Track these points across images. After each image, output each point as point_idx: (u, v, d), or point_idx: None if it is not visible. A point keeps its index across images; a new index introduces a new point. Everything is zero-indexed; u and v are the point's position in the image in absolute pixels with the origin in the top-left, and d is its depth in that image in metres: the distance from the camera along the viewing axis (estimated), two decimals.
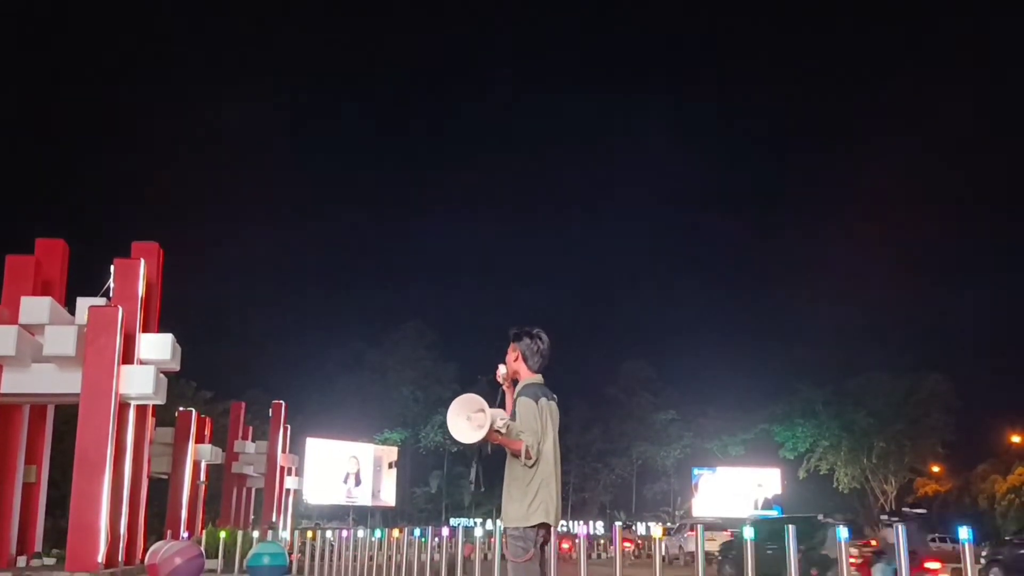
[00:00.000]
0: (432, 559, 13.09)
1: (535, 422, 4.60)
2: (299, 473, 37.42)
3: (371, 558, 15.81)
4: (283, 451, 32.43)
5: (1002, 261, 61.35)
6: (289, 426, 33.37)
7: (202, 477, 26.99)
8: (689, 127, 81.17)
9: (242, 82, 76.16)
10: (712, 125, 77.42)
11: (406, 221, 78.80)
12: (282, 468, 32.29)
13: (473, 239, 79.71)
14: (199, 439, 25.66)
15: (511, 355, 4.87)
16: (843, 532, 8.44)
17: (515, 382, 4.85)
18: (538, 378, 4.82)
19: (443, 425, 50.57)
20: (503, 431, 4.54)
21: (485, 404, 4.59)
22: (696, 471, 50.18)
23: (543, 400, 4.70)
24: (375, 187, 78.18)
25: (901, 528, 7.78)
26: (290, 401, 34.04)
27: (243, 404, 31.54)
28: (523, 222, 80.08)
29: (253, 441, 31.39)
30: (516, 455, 4.60)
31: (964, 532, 7.54)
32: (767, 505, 47.59)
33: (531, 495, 4.61)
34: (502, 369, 4.89)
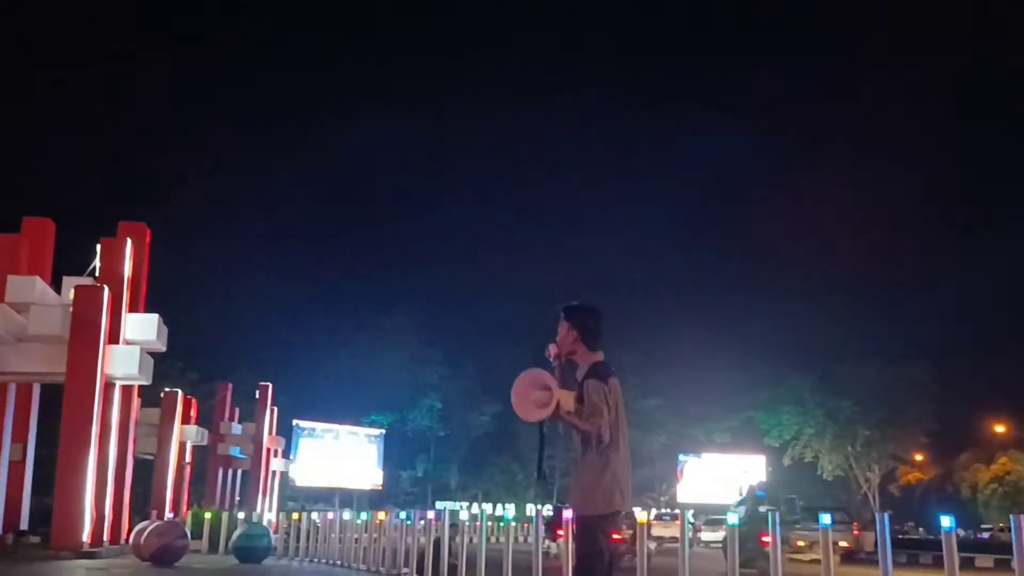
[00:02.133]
0: (418, 542, 13.11)
1: (604, 405, 4.40)
2: (285, 455, 37.45)
3: (356, 540, 15.85)
4: (270, 433, 32.42)
5: (986, 251, 61.65)
6: (276, 408, 33.35)
7: (187, 458, 26.98)
8: (670, 119, 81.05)
9: (233, 53, 75.60)
10: (695, 125, 77.44)
11: (397, 204, 78.44)
12: (268, 450, 32.30)
13: (463, 224, 79.57)
14: (185, 420, 25.62)
15: (566, 334, 4.62)
16: (826, 519, 8.48)
17: (569, 361, 4.63)
18: (600, 355, 4.62)
19: (430, 409, 50.74)
20: (571, 409, 4.38)
21: (553, 383, 4.38)
22: (681, 457, 50.42)
23: (612, 380, 4.51)
24: (368, 171, 77.80)
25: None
26: (277, 383, 34.01)
27: (230, 385, 31.49)
28: (512, 207, 79.94)
29: (240, 423, 31.36)
30: (587, 436, 4.41)
31: (946, 521, 7.59)
32: (752, 492, 47.91)
33: (600, 481, 4.43)
34: (552, 348, 4.62)
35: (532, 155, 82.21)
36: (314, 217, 74.96)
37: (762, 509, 14.85)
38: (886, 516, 7.92)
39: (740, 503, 17.53)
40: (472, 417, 51.79)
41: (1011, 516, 6.95)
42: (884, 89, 77.86)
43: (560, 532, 13.28)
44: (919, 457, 50.11)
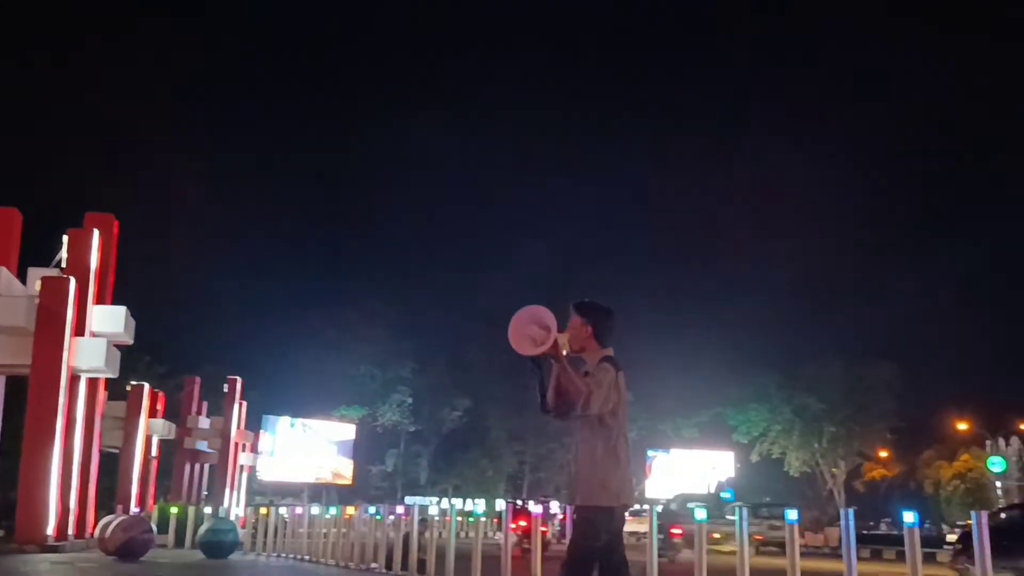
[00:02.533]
0: (387, 536, 13.10)
1: (609, 388, 4.36)
2: (254, 449, 37.20)
3: (325, 535, 15.79)
4: (238, 427, 32.19)
5: (949, 251, 62.62)
6: (245, 402, 33.11)
7: (154, 452, 26.73)
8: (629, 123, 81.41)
9: (200, 45, 74.75)
10: (661, 126, 77.86)
11: (366, 194, 77.98)
12: (237, 444, 32.06)
13: (434, 219, 79.40)
14: (152, 413, 25.36)
15: (580, 328, 4.54)
16: (792, 514, 8.60)
17: (576, 357, 4.54)
18: (610, 350, 4.57)
19: (401, 403, 50.62)
20: (564, 350, 4.30)
21: (554, 322, 4.25)
22: (650, 453, 50.74)
23: (621, 373, 4.47)
24: (335, 163, 77.27)
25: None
26: (246, 377, 33.73)
27: (197, 379, 31.20)
28: (483, 203, 79.82)
29: (208, 417, 31.11)
30: (578, 400, 4.30)
31: (909, 516, 7.73)
32: (721, 488, 48.41)
33: (607, 472, 4.36)
34: (562, 339, 4.39)
35: (505, 152, 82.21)
36: (284, 211, 74.42)
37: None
38: (850, 512, 8.04)
39: (669, 502, 19.81)
40: (443, 412, 51.79)
41: (972, 512, 7.10)
42: (843, 90, 78.82)
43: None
44: (884, 454, 50.84)
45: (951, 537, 19.26)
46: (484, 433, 52.98)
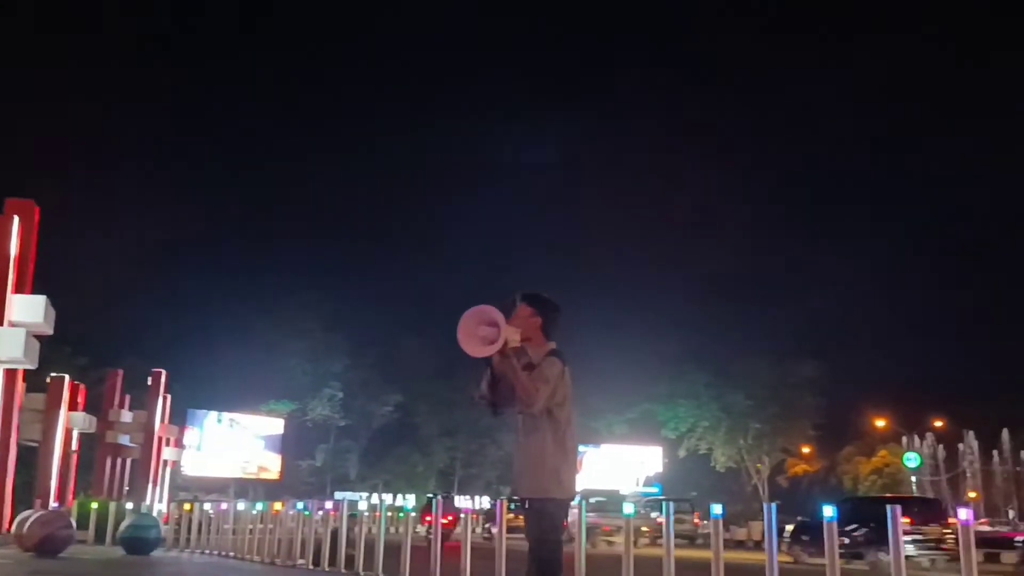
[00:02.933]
0: (315, 533, 12.97)
1: (556, 379, 4.36)
2: (178, 444, 36.41)
3: (251, 531, 15.55)
4: (162, 421, 31.47)
5: (870, 254, 64.82)
6: (169, 395, 32.38)
7: (74, 446, 25.98)
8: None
9: (133, 32, 72.72)
10: (595, 127, 78.64)
11: (301, 186, 76.83)
12: (160, 438, 31.34)
13: (368, 215, 78.66)
14: (72, 406, 24.63)
15: (529, 320, 4.51)
16: (717, 509, 8.80)
17: (520, 348, 4.46)
18: (554, 344, 4.56)
19: (331, 398, 50.10)
20: (516, 345, 4.28)
21: (501, 318, 4.20)
22: (581, 448, 51.12)
23: (567, 368, 4.47)
24: (264, 151, 76.09)
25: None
26: (171, 370, 32.98)
27: (120, 371, 30.38)
28: (416, 200, 79.38)
29: (130, 410, 30.33)
30: (523, 397, 4.29)
31: (828, 511, 7.98)
32: (648, 483, 49.19)
33: (561, 465, 4.36)
34: (510, 332, 4.26)
35: (438, 150, 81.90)
36: (214, 202, 72.83)
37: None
38: (774, 506, 8.25)
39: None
40: (374, 407, 51.44)
41: (888, 507, 7.37)
42: (759, 85, 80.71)
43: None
44: (806, 450, 52.30)
45: (789, 527, 20.43)
46: (415, 428, 52.82)
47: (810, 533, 18.16)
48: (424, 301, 58.88)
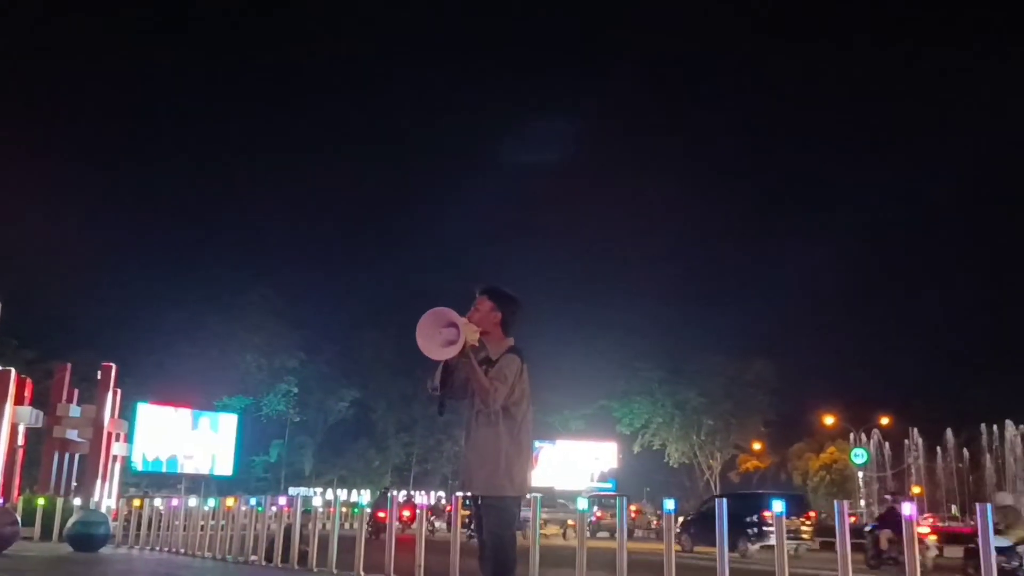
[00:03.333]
0: (268, 529, 12.86)
1: (515, 377, 4.35)
2: (128, 439, 35.80)
3: (202, 528, 15.36)
4: (111, 416, 30.90)
5: (818, 256, 65.94)
6: (119, 390, 31.81)
7: (20, 441, 25.43)
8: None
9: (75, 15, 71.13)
10: (558, 124, 78.90)
11: (257, 180, 75.92)
12: (109, 434, 30.78)
13: (324, 208, 78.01)
14: (18, 401, 24.11)
15: (489, 314, 4.49)
16: (669, 504, 8.92)
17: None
18: (512, 341, 4.55)
19: (286, 393, 49.61)
20: (476, 344, 4.29)
21: (457, 318, 4.22)
22: (537, 444, 51.37)
23: (525, 365, 4.46)
24: (220, 143, 75.05)
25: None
26: (122, 365, 32.38)
27: (68, 365, 29.77)
28: (372, 192, 78.88)
29: (79, 405, 29.73)
30: (481, 396, 4.28)
31: (778, 506, 8.13)
32: (603, 478, 49.59)
33: (516, 461, 4.35)
34: (469, 330, 4.27)
35: (393, 141, 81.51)
36: (165, 192, 71.73)
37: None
38: (723, 501, 8.39)
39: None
40: (329, 403, 51.06)
41: (835, 502, 7.55)
42: (726, 96, 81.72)
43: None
44: (757, 446, 53.10)
45: (680, 518, 22.37)
46: (372, 424, 52.57)
47: (696, 526, 20.84)
48: (382, 296, 58.72)
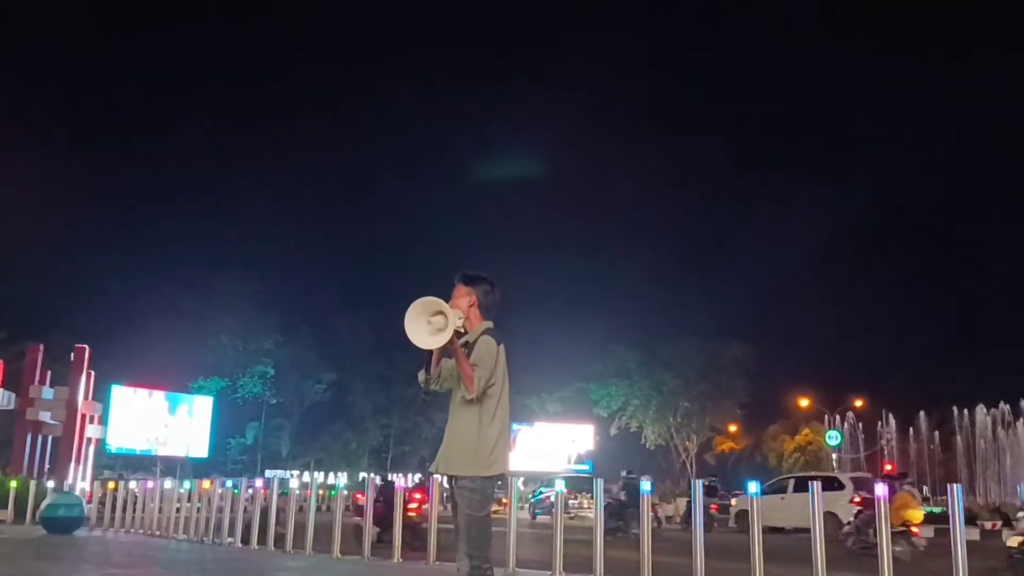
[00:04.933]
0: (244, 511, 12.81)
1: (493, 360, 4.38)
2: (103, 421, 35.51)
3: (178, 510, 15.30)
4: (85, 398, 30.65)
5: (795, 239, 66.39)
6: (93, 372, 31.53)
7: None
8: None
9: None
10: (532, 107, 78.63)
11: (232, 159, 75.10)
12: (83, 416, 30.54)
13: (300, 188, 77.34)
14: None
15: (466, 298, 4.54)
16: (646, 485, 8.99)
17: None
18: (491, 324, 4.58)
19: (263, 375, 49.35)
20: (462, 330, 4.32)
21: (445, 305, 4.25)
22: (515, 426, 51.53)
23: (502, 346, 4.49)
24: (196, 123, 74.08)
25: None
26: (96, 346, 32.08)
27: (41, 346, 29.45)
28: (349, 173, 78.30)
29: (52, 386, 29.44)
30: (465, 382, 4.31)
31: (753, 486, 8.21)
32: (580, 460, 49.86)
33: (492, 443, 4.36)
34: (454, 316, 4.30)
35: (376, 126, 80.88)
36: (139, 170, 70.83)
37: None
38: (700, 483, 8.46)
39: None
40: (307, 385, 50.84)
41: (810, 483, 7.63)
42: (706, 78, 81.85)
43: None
44: (733, 428, 53.59)
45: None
46: (349, 406, 52.43)
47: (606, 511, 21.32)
48: (360, 278, 58.50)
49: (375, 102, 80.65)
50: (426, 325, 4.22)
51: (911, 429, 47.26)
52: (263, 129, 76.83)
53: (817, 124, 79.80)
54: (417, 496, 13.99)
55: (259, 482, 13.54)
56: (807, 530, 7.57)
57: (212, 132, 73.77)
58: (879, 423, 46.82)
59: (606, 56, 79.12)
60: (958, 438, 44.81)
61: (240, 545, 12.38)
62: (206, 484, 14.85)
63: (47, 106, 66.24)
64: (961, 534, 6.95)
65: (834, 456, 43.76)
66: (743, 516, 21.23)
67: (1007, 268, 63.58)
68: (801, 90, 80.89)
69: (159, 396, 43.27)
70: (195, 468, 41.65)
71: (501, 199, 70.80)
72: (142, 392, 42.29)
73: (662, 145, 72.15)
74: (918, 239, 69.00)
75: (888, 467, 25.10)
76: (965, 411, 44.22)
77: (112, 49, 74.93)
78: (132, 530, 16.25)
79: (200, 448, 44.84)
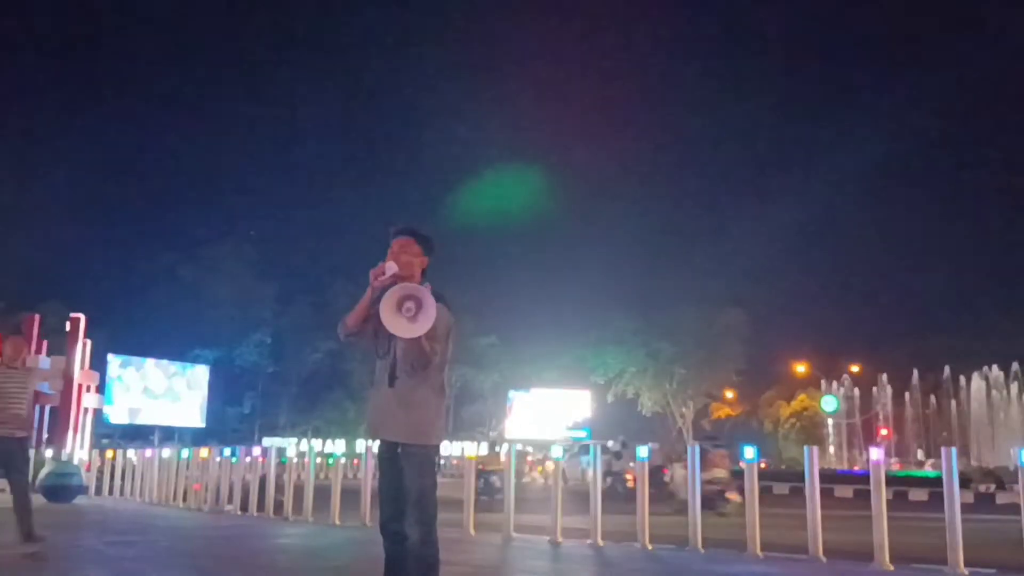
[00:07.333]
0: (243, 479, 12.87)
1: (447, 334, 4.24)
2: (100, 390, 35.57)
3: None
4: (82, 367, 30.65)
5: (790, 205, 66.08)
6: (89, 341, 31.50)
7: None
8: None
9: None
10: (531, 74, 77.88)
11: (229, 125, 74.49)
12: (80, 385, 30.56)
13: (298, 157, 76.91)
14: None
15: (413, 255, 4.32)
16: (643, 451, 9.01)
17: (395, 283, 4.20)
18: (429, 286, 4.27)
19: (260, 344, 49.41)
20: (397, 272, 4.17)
21: (421, 292, 4.03)
22: (512, 393, 51.75)
23: (447, 308, 4.25)
24: (193, 89, 73.48)
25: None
26: (92, 315, 32.01)
27: (37, 316, 29.38)
28: (348, 142, 77.83)
29: (48, 356, 29.42)
30: (420, 357, 4.10)
31: (750, 452, 8.24)
32: (577, 426, 50.12)
33: (438, 411, 4.29)
34: (391, 267, 4.19)
35: (371, 92, 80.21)
36: (135, 140, 70.41)
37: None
38: (696, 448, 8.49)
39: None
40: (304, 353, 50.90)
41: (805, 447, 7.66)
42: (705, 49, 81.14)
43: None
44: (729, 394, 53.81)
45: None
46: (347, 375, 52.54)
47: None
48: (357, 247, 58.19)
49: (373, 66, 79.91)
50: (403, 313, 4.01)
51: (907, 394, 47.52)
52: (262, 95, 76.12)
53: (809, 86, 79.18)
54: None
55: (257, 450, 13.58)
56: None
57: (210, 100, 73.22)
58: (875, 388, 47.04)
59: (606, 22, 78.50)
60: (952, 401, 45.07)
61: (239, 512, 12.44)
62: (204, 452, 14.90)
63: (40, 74, 65.68)
64: (956, 496, 6.99)
65: (830, 422, 44.08)
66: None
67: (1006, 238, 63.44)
68: (793, 53, 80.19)
69: (157, 364, 43.35)
70: (193, 437, 41.85)
71: (499, 168, 70.55)
72: (139, 360, 42.38)
73: (660, 111, 71.62)
74: (916, 202, 68.82)
75: (883, 432, 25.06)
76: (960, 377, 44.45)
77: (107, 11, 74.04)
78: (132, 498, 16.33)
79: (198, 417, 45.02)
